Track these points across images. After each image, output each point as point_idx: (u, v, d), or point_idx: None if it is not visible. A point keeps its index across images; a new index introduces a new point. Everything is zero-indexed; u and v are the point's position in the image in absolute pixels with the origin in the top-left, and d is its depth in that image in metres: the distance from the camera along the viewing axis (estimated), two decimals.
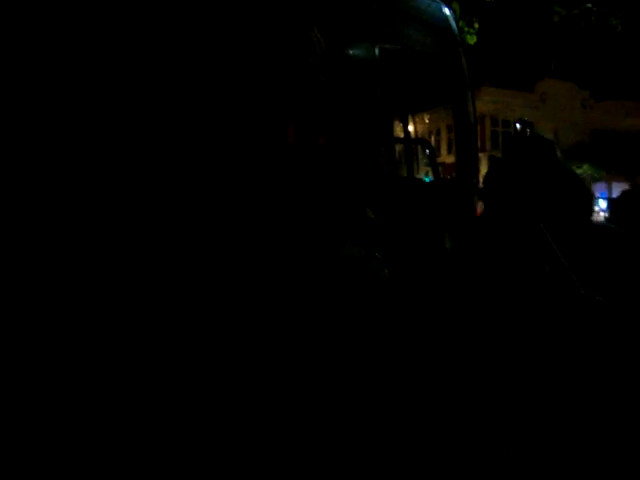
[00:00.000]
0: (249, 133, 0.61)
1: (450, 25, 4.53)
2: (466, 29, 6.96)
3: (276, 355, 0.61)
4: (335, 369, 0.65)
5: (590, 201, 1.96)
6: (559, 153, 1.98)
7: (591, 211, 1.94)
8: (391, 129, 4.96)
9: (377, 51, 4.07)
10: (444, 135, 24.64)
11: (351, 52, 4.00)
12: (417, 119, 5.61)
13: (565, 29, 8.60)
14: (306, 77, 0.63)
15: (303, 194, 0.68)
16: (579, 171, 27.29)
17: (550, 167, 1.93)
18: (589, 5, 7.53)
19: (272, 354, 0.62)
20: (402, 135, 5.19)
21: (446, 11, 4.56)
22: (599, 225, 2.01)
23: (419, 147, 5.50)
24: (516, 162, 1.96)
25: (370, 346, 0.67)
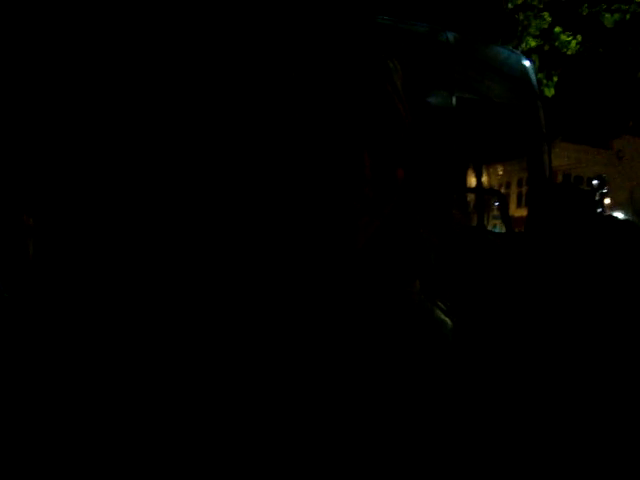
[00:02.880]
0: (324, 165, 0.59)
1: (529, 77, 4.49)
2: (545, 81, 6.89)
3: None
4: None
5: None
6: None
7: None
8: (464, 179, 4.91)
9: (454, 100, 4.06)
10: (514, 188, 24.28)
11: (429, 100, 4.01)
12: (490, 170, 5.55)
13: None
14: (384, 105, 0.60)
15: (384, 231, 0.64)
16: None
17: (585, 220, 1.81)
18: None
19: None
20: (475, 185, 5.12)
21: (526, 63, 4.52)
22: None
23: (490, 199, 5.42)
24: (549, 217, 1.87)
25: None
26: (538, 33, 7.57)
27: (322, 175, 0.56)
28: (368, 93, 0.60)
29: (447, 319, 0.70)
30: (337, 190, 0.57)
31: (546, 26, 7.58)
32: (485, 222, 5.16)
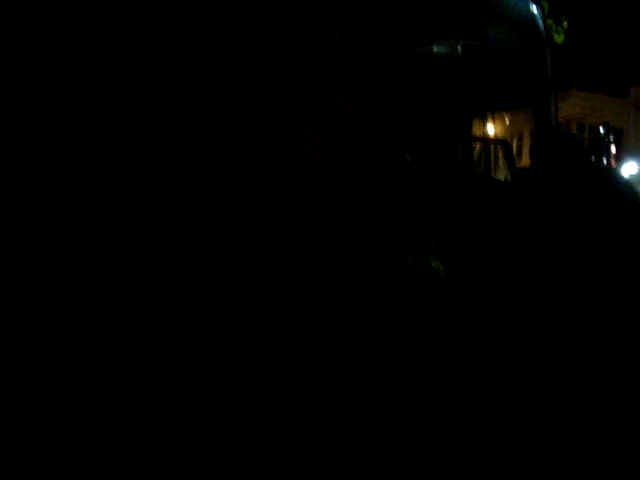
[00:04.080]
0: (273, 93, 0.63)
1: (537, 23, 4.42)
2: (554, 27, 6.74)
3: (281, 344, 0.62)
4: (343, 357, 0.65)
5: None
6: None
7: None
8: (470, 128, 4.89)
9: (460, 48, 4.03)
10: (527, 139, 23.76)
11: (434, 49, 3.99)
12: (499, 120, 5.52)
13: None
14: (325, 41, 0.64)
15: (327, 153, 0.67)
16: None
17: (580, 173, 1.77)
18: None
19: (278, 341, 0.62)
20: (481, 134, 5.11)
21: (533, 9, 4.46)
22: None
23: (499, 149, 5.40)
24: (543, 173, 1.85)
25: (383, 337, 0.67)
26: None
27: (271, 101, 0.61)
28: (310, 30, 0.64)
29: (409, 259, 0.72)
30: (286, 113, 0.61)
31: None
32: (494, 172, 5.16)
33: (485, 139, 5.04)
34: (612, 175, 1.91)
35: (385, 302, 0.67)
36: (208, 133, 0.65)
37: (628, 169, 15.58)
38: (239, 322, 0.67)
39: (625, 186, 1.93)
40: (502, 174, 5.37)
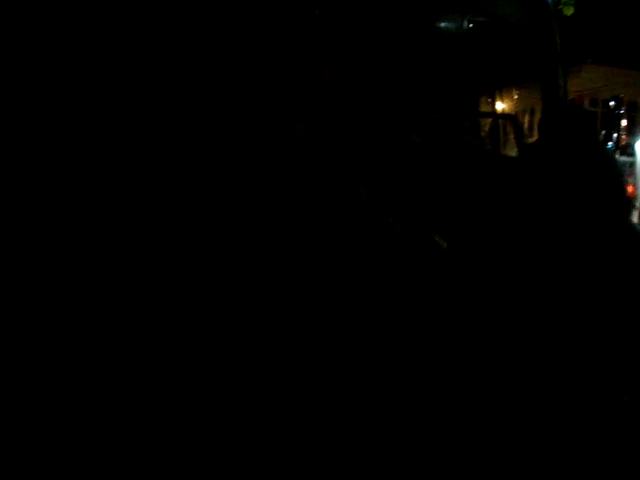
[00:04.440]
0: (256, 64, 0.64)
1: None
2: (563, 0, 6.64)
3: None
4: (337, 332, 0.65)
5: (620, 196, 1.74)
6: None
7: (625, 210, 1.74)
8: (477, 103, 4.87)
9: (465, 22, 4.00)
10: (537, 114, 23.39)
11: (439, 23, 3.96)
12: (506, 96, 5.49)
13: None
14: (302, 15, 0.66)
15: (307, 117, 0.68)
16: None
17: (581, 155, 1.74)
18: None
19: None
20: (490, 110, 5.08)
21: None
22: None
23: (508, 124, 5.37)
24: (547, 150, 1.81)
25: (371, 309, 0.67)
26: None
27: (254, 71, 0.62)
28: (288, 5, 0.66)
29: (396, 227, 0.72)
30: (268, 81, 0.62)
31: None
32: (503, 147, 5.14)
33: (493, 114, 5.01)
34: (607, 160, 1.87)
35: (367, 256, 0.68)
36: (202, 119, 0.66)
37: None
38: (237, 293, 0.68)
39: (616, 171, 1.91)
40: (511, 149, 5.35)
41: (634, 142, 13.79)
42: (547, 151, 1.79)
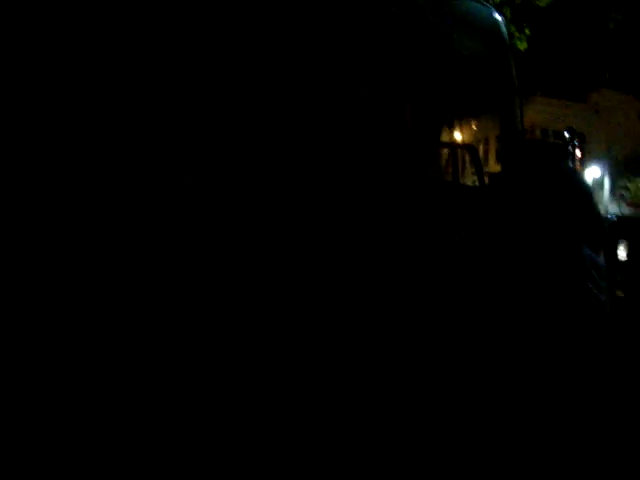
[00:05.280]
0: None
1: (500, 30, 4.47)
2: (517, 35, 6.86)
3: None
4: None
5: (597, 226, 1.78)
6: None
7: (599, 240, 1.77)
8: (437, 134, 4.92)
9: (423, 55, 4.05)
10: (493, 144, 24.13)
11: (395, 55, 3.99)
12: (465, 126, 5.57)
13: (621, 37, 8.38)
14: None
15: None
16: (632, 186, 26.41)
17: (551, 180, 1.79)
18: None
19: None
20: (449, 140, 5.14)
21: (496, 16, 4.50)
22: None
23: (465, 153, 5.44)
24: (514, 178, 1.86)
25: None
26: None
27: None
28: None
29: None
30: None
31: None
32: (462, 177, 5.20)
33: (452, 145, 5.07)
34: (577, 179, 1.92)
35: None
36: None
37: (592, 173, 15.88)
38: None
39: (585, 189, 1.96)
40: (470, 179, 5.41)
41: (584, 171, 14.31)
42: (521, 180, 1.82)
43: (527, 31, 7.06)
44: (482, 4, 4.40)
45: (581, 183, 1.89)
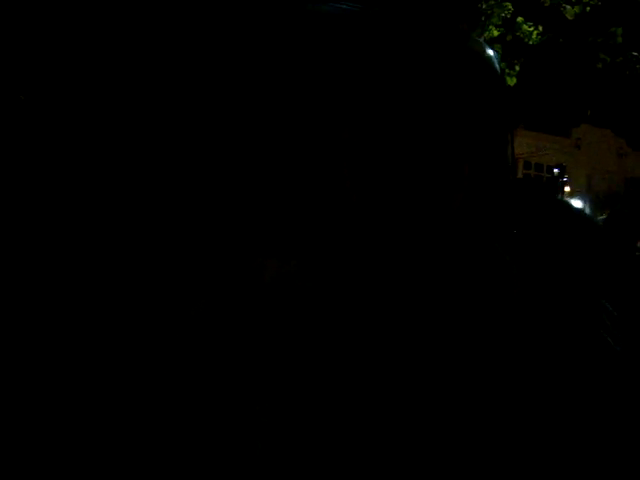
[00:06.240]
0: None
1: (493, 66, 4.54)
2: (507, 71, 7.02)
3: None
4: None
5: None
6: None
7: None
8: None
9: (419, 91, 4.09)
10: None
11: (383, 89, 4.02)
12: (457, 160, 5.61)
13: (607, 76, 8.60)
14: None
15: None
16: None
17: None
18: (635, 53, 7.56)
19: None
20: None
21: (490, 52, 4.58)
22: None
23: None
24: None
25: None
26: (501, 23, 7.70)
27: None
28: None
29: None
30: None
31: (509, 15, 7.71)
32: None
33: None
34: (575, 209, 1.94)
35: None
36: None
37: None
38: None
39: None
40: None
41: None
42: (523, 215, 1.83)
43: (517, 68, 7.25)
44: (480, 41, 4.48)
45: (589, 218, 1.90)
